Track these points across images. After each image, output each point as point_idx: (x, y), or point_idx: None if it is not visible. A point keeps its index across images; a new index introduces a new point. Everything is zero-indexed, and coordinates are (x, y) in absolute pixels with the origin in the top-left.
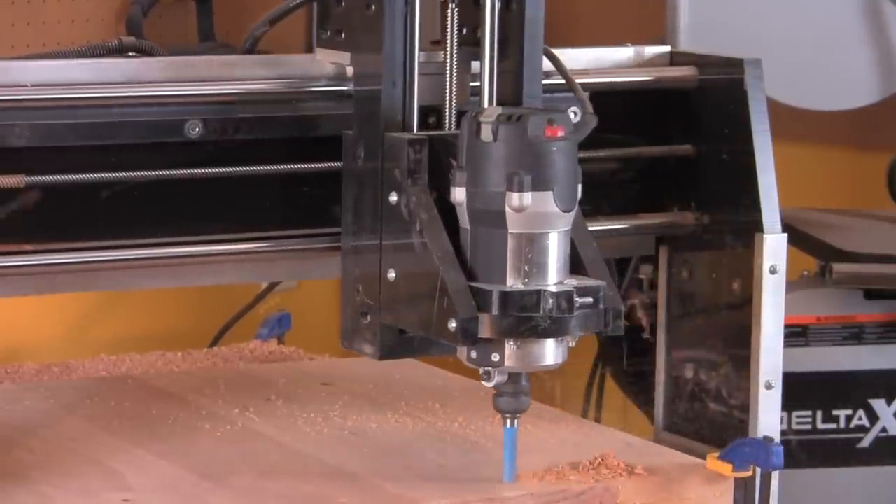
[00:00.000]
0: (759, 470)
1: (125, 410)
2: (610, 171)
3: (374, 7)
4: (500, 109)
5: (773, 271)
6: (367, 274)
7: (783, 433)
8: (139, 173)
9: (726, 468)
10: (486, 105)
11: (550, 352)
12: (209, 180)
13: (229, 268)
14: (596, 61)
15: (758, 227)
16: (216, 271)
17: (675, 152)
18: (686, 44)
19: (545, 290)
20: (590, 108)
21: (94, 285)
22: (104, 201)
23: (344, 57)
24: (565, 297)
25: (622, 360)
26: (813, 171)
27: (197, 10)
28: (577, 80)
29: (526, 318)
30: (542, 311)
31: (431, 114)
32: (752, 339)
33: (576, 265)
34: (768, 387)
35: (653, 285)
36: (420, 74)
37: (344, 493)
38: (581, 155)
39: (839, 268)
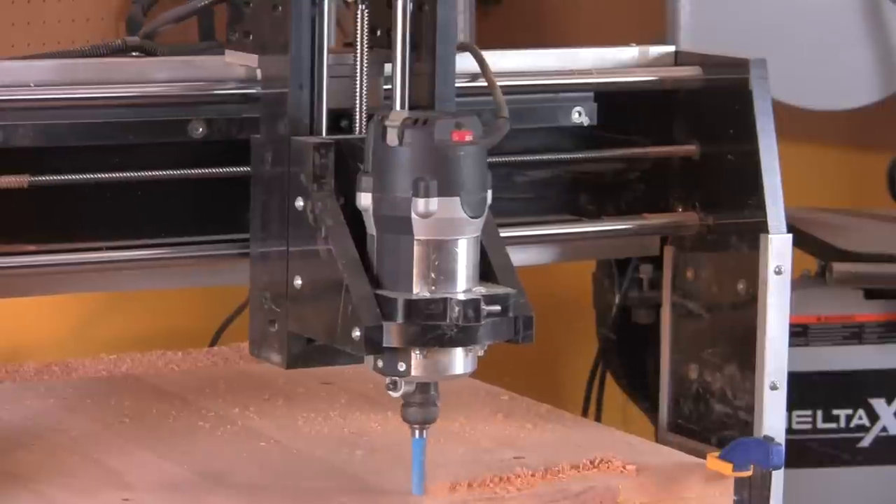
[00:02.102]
0: (759, 469)
1: (125, 410)
2: (614, 171)
3: (280, 8)
4: (406, 113)
5: (778, 272)
6: (275, 281)
7: None
8: (141, 174)
9: (726, 468)
10: (398, 108)
11: (459, 361)
12: (210, 180)
13: (229, 268)
14: (600, 61)
15: (763, 227)
16: (216, 272)
17: (680, 153)
18: (686, 43)
19: (452, 298)
20: (505, 112)
21: (95, 286)
22: (105, 202)
23: (252, 59)
24: (472, 306)
25: (623, 359)
26: (813, 171)
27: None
28: (581, 80)
29: (432, 326)
30: (448, 320)
31: (344, 117)
32: (757, 340)
33: (487, 272)
34: (773, 388)
35: (653, 285)
36: (331, 77)
37: (344, 493)
38: (585, 155)
39: (839, 267)
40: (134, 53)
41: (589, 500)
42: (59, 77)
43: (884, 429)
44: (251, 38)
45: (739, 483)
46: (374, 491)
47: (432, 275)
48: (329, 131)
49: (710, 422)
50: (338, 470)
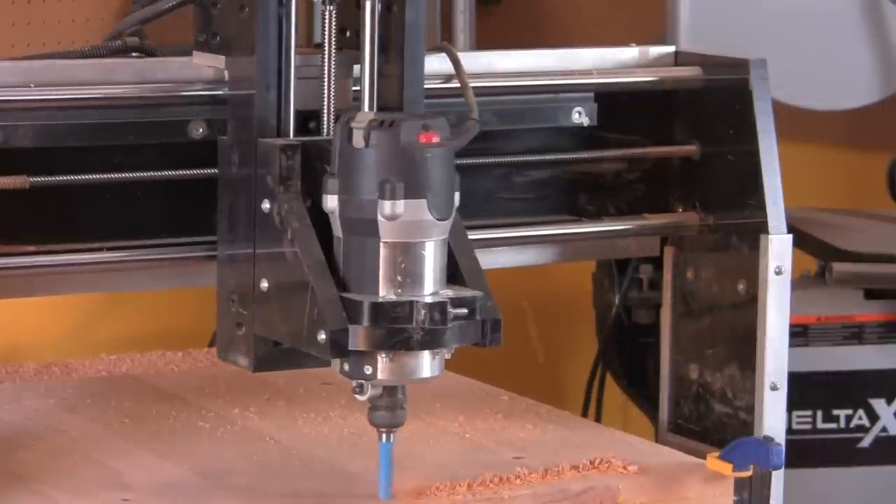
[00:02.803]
0: (759, 470)
1: (125, 410)
2: (614, 171)
3: (247, 9)
4: (372, 114)
5: (778, 272)
6: (241, 284)
7: None
8: (142, 174)
9: (726, 468)
10: (366, 110)
11: (426, 364)
12: (210, 180)
13: None
14: (600, 61)
15: (763, 228)
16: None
17: (680, 153)
18: (686, 44)
19: (418, 301)
20: (475, 114)
21: (94, 286)
22: (105, 202)
23: (219, 60)
24: (439, 309)
25: (623, 360)
26: (813, 171)
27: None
28: (581, 81)
29: (398, 329)
30: (414, 323)
31: (313, 119)
32: (758, 340)
33: (455, 275)
34: (773, 388)
35: (653, 285)
36: (300, 78)
37: (344, 493)
38: (585, 155)
39: (839, 267)
40: (134, 54)
41: (589, 500)
42: (59, 77)
43: (884, 429)
44: (218, 39)
45: (739, 483)
46: (374, 491)
47: (399, 277)
48: (298, 133)
49: (711, 422)
50: (338, 470)
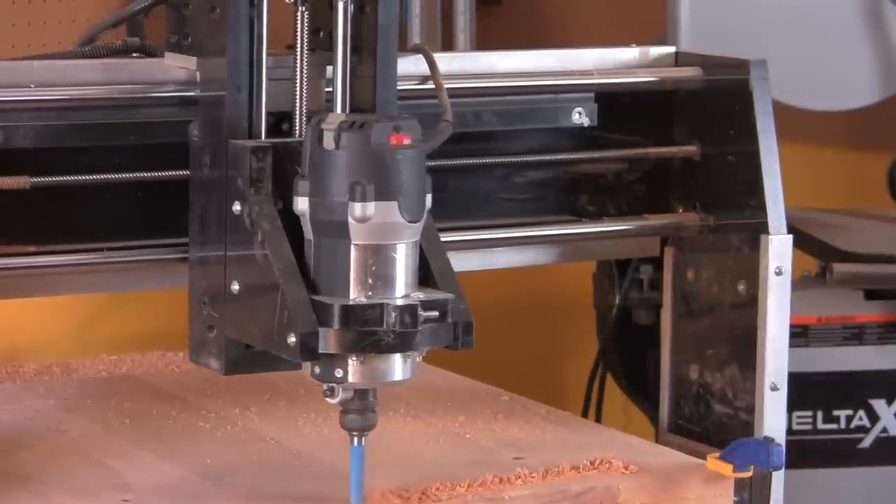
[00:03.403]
0: (759, 470)
1: (125, 410)
2: (615, 171)
3: (218, 10)
4: (343, 116)
5: (778, 273)
6: (212, 286)
7: None
8: (142, 174)
9: (727, 468)
10: (338, 111)
11: (397, 367)
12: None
13: None
14: (601, 62)
15: (763, 228)
16: None
17: (680, 153)
18: (686, 44)
19: (388, 304)
20: (449, 115)
21: (95, 286)
22: (105, 202)
23: (191, 62)
24: (409, 312)
25: (623, 360)
26: (813, 172)
27: None
28: (582, 81)
29: (369, 332)
30: (385, 326)
31: (286, 120)
32: (758, 341)
33: (427, 278)
34: (774, 388)
35: (653, 286)
36: (273, 79)
37: (344, 493)
38: (586, 156)
39: (839, 268)
40: (134, 54)
41: (589, 500)
42: (59, 77)
43: (884, 430)
44: (190, 40)
45: (740, 484)
46: (374, 491)
47: (369, 280)
48: (270, 134)
49: (711, 422)
50: (338, 471)
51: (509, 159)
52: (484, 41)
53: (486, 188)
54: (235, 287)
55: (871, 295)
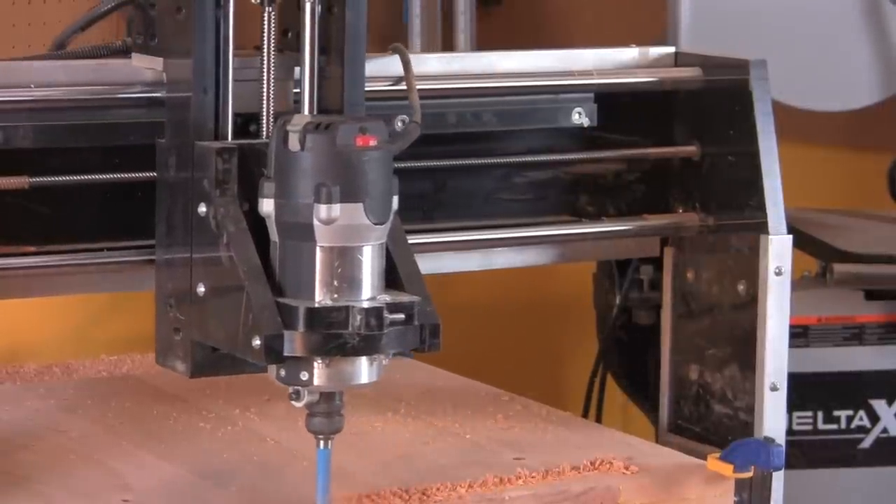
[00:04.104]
0: (760, 470)
1: (126, 411)
2: (614, 172)
3: (184, 11)
4: (309, 117)
5: (778, 273)
6: (179, 288)
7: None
8: (142, 174)
9: (727, 469)
10: (306, 112)
11: (363, 370)
12: None
13: None
14: (600, 62)
15: (763, 228)
16: None
17: (680, 153)
18: (686, 44)
19: (354, 307)
20: (418, 117)
21: (95, 286)
22: (105, 202)
23: (157, 62)
24: (375, 314)
25: (623, 360)
26: (813, 172)
27: None
28: (581, 81)
29: (334, 335)
30: (350, 328)
31: (254, 122)
32: (758, 341)
33: (394, 280)
34: (773, 388)
35: (653, 286)
36: (241, 81)
37: (344, 493)
38: (586, 156)
39: (840, 268)
40: None
41: (589, 500)
42: (59, 77)
43: (884, 430)
44: (156, 41)
45: (740, 484)
46: (374, 492)
47: (335, 282)
48: (238, 136)
49: (711, 423)
50: (338, 471)
51: (509, 159)
52: (484, 41)
53: (486, 188)
54: (201, 289)
55: (871, 295)
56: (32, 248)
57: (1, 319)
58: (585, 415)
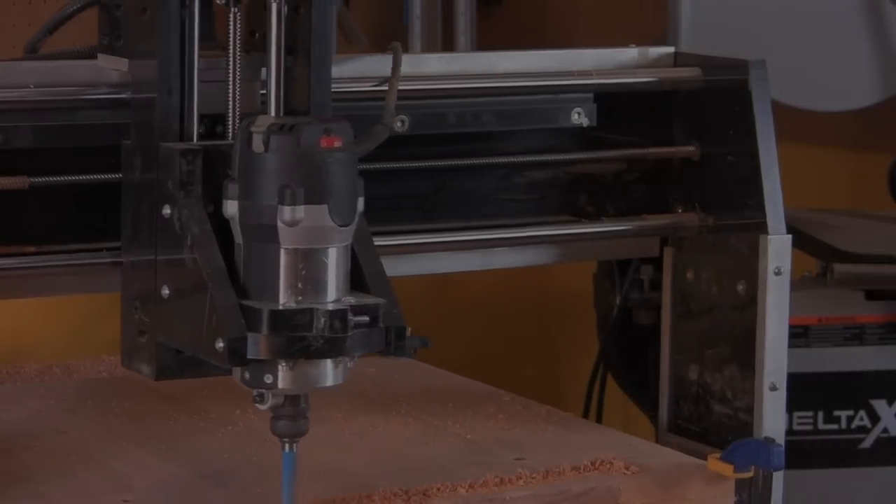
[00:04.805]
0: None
1: (126, 411)
2: (614, 172)
3: (149, 11)
4: (273, 118)
5: (777, 273)
6: (144, 290)
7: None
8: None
9: (727, 469)
10: (272, 114)
11: (328, 372)
12: None
13: None
14: (600, 62)
15: (762, 228)
16: None
17: (680, 153)
18: (686, 44)
19: (318, 309)
20: (389, 119)
21: (95, 286)
22: (105, 202)
23: (123, 63)
24: (339, 317)
25: (623, 360)
26: (814, 172)
27: None
28: (581, 81)
29: (298, 338)
30: (314, 331)
31: (220, 123)
32: (757, 341)
33: (360, 282)
34: (773, 388)
35: (653, 286)
36: (208, 82)
37: (344, 493)
38: (585, 156)
39: (840, 268)
40: None
41: (590, 501)
42: (59, 77)
43: (885, 430)
44: (122, 41)
45: (740, 484)
46: (375, 492)
47: (299, 285)
48: (204, 137)
49: (711, 423)
50: (338, 471)
51: (509, 159)
52: (484, 42)
53: (485, 188)
54: (166, 291)
55: (871, 295)
56: (32, 248)
57: (1, 319)
58: (586, 415)
